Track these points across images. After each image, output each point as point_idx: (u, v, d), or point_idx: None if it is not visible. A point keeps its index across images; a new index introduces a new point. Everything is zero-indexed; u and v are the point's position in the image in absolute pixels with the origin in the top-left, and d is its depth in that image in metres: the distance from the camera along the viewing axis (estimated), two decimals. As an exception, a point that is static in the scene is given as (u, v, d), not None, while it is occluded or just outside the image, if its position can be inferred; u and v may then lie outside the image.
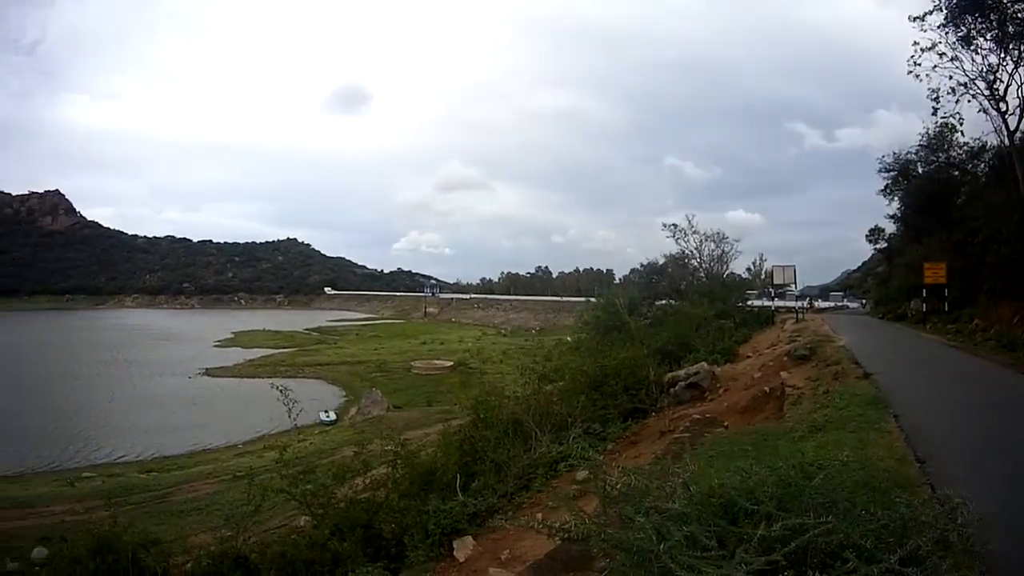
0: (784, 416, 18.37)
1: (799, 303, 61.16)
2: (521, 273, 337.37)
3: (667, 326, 36.78)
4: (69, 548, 23.14)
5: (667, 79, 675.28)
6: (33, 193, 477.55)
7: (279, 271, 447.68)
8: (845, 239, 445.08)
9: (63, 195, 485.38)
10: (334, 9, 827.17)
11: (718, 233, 45.30)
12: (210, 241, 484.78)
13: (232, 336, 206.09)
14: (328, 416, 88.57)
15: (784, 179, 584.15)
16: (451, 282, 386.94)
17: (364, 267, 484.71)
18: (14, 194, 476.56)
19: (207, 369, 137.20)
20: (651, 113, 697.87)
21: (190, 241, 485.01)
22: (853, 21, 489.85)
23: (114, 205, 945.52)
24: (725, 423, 20.19)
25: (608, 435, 22.39)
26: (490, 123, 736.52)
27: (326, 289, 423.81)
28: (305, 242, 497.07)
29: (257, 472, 42.94)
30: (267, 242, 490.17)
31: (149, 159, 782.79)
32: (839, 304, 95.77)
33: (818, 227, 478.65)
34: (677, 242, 43.89)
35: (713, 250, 45.18)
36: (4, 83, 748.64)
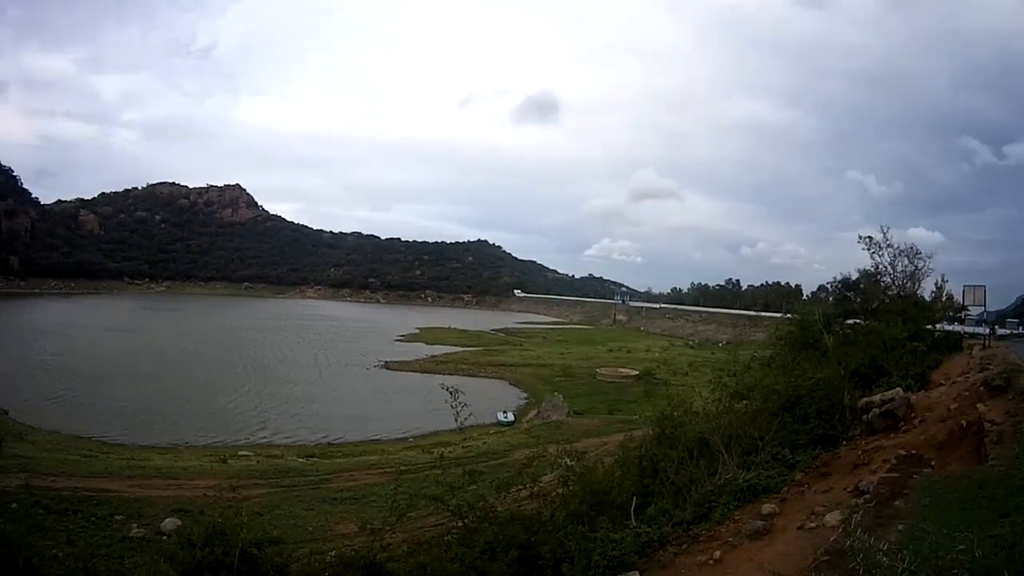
0: (987, 457, 16.18)
1: (985, 328, 57.20)
2: (710, 285, 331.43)
3: (860, 346, 34.50)
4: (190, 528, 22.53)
5: (847, 89, 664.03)
6: (212, 186, 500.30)
7: (468, 271, 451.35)
8: (1021, 262, 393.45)
9: (243, 189, 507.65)
10: (524, 18, 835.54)
11: (911, 247, 42.58)
12: (399, 239, 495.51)
13: (416, 332, 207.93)
14: (506, 417, 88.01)
15: (960, 196, 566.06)
16: (641, 291, 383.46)
17: (555, 271, 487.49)
18: (192, 186, 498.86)
19: (386, 362, 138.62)
20: (833, 123, 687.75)
21: (378, 238, 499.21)
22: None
23: (300, 201, 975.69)
24: (932, 462, 18.04)
25: (797, 463, 20.35)
26: (680, 132, 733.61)
27: (516, 291, 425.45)
28: (496, 244, 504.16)
29: (421, 468, 42.37)
30: (457, 242, 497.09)
31: (339, 159, 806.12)
32: (1016, 332, 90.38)
33: (992, 247, 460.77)
34: (872, 256, 41.40)
35: (906, 266, 42.46)
36: (178, 84, 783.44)
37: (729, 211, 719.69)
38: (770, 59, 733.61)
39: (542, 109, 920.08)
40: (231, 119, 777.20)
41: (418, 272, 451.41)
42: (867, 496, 13.63)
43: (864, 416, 23.80)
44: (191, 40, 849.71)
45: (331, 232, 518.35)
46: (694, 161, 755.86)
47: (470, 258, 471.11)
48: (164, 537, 31.80)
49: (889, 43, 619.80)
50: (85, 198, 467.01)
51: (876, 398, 24.49)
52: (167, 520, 34.73)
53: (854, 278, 43.48)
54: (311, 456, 66.34)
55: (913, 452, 16.96)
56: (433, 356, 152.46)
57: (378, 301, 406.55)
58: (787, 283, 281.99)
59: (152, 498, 40.47)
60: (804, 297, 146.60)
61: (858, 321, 40.12)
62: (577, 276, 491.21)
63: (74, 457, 56.21)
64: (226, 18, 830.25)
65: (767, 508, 15.16)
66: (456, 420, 20.21)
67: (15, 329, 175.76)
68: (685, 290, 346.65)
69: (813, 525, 13.68)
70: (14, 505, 34.56)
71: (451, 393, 20.27)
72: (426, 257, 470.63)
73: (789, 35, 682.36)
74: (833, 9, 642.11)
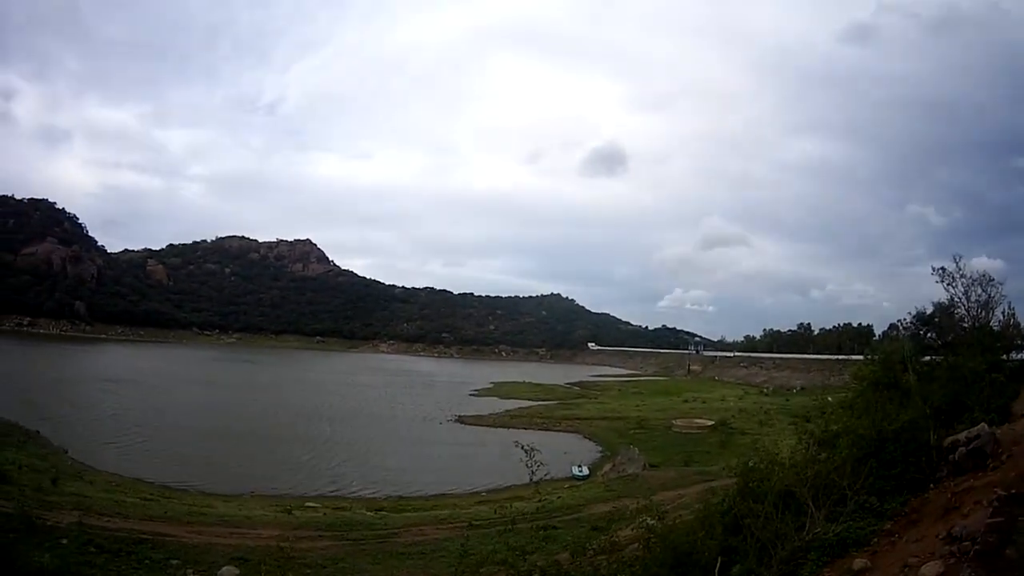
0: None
1: None
2: (782, 330, 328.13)
3: (941, 382, 33.11)
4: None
5: (900, 119, 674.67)
6: (282, 240, 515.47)
7: (542, 325, 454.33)
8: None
9: (314, 244, 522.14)
10: (583, 70, 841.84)
11: (984, 275, 40.69)
12: (471, 294, 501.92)
13: (490, 386, 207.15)
14: (581, 471, 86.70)
15: (1020, 218, 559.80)
16: (714, 339, 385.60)
17: (628, 323, 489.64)
18: (261, 240, 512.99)
19: (460, 416, 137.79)
20: (889, 155, 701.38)
21: (450, 293, 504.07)
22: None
23: (371, 256, 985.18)
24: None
25: (886, 511, 19.05)
26: (743, 176, 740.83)
27: (589, 344, 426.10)
28: (569, 297, 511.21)
29: (493, 523, 41.38)
30: (530, 296, 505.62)
31: (409, 214, 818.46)
32: None
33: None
34: (946, 288, 39.63)
35: (979, 295, 40.54)
36: (245, 140, 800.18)
37: (796, 253, 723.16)
38: (822, 95, 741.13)
39: (609, 161, 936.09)
40: (299, 174, 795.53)
41: (491, 327, 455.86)
42: (968, 544, 12.40)
43: (950, 456, 22.50)
44: (257, 96, 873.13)
45: (403, 287, 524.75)
46: (758, 204, 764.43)
47: (544, 312, 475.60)
48: (218, 584, 31.45)
49: (934, 68, 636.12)
50: (153, 248, 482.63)
51: (961, 436, 23.13)
52: (224, 568, 34.15)
53: (929, 311, 42.04)
54: (380, 509, 65.44)
55: (1014, 491, 15.66)
56: (507, 410, 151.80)
57: (452, 356, 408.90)
58: (858, 323, 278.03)
59: (211, 545, 40.10)
60: (875, 337, 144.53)
61: (933, 357, 38.87)
62: (651, 327, 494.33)
63: (133, 499, 56.06)
64: (291, 75, 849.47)
65: (858, 563, 13.96)
66: (531, 478, 19.28)
67: (85, 374, 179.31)
68: (758, 337, 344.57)
69: (910, 580, 12.42)
70: (64, 541, 34.19)
71: (527, 452, 19.34)
72: (499, 311, 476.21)
73: (839, 70, 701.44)
74: (875, 41, 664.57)
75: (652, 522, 19.35)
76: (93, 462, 79.84)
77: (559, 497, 64.33)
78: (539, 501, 38.57)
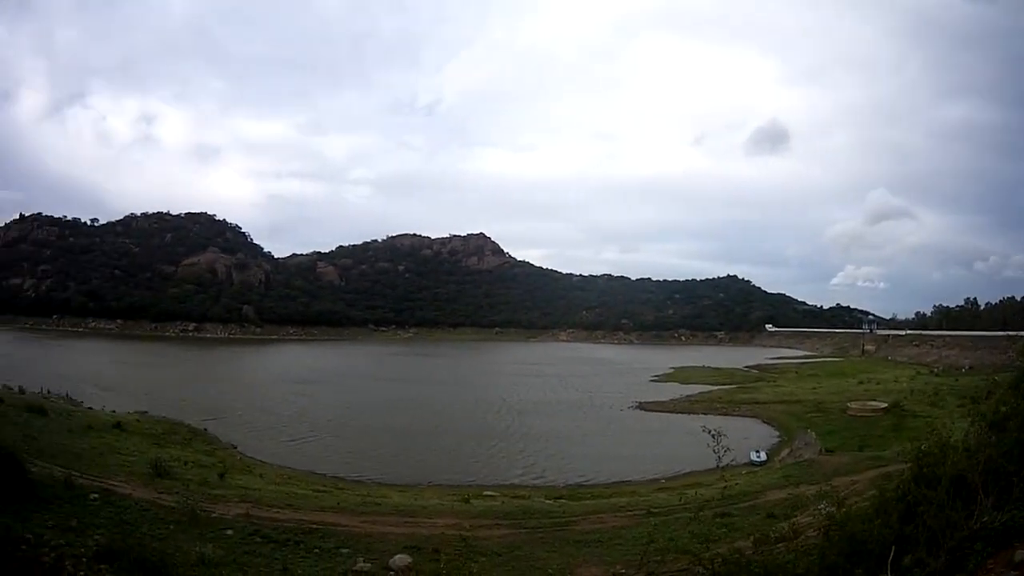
0: None
1: None
2: (951, 306, 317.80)
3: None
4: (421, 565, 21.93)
5: None
6: (455, 236, 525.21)
7: (720, 308, 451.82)
8: None
9: (488, 237, 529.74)
10: (734, 49, 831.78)
11: None
12: (649, 279, 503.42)
13: (670, 371, 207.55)
14: (759, 456, 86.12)
15: None
16: (887, 317, 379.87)
17: (804, 303, 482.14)
18: (433, 237, 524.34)
19: (640, 403, 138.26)
20: None
21: (628, 279, 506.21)
22: None
23: (546, 247, 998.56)
24: None
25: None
26: (901, 145, 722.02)
27: (767, 326, 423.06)
28: (745, 279, 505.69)
29: (672, 511, 40.96)
30: (707, 279, 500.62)
31: (579, 203, 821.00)
32: None
33: None
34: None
35: None
36: (406, 141, 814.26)
37: (957, 224, 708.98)
38: (967, 56, 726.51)
39: (773, 138, 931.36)
40: (465, 171, 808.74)
41: (670, 311, 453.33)
42: None
43: None
44: (413, 99, 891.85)
45: (581, 275, 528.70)
46: (918, 174, 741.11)
47: (721, 295, 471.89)
48: (391, 573, 31.48)
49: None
50: (322, 251, 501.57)
51: None
52: (397, 556, 33.92)
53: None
54: (559, 498, 64.76)
55: None
56: (687, 395, 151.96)
57: (631, 342, 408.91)
58: (1022, 297, 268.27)
59: (384, 534, 39.40)
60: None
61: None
62: (825, 306, 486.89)
63: (304, 491, 57.31)
64: (443, 75, 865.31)
65: (1019, 555, 13.40)
66: (717, 464, 19.16)
67: (259, 372, 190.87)
68: (928, 314, 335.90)
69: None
70: (229, 532, 34.30)
71: (714, 437, 19.22)
72: (677, 296, 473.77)
73: (980, 28, 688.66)
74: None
75: (830, 509, 19.06)
76: (264, 457, 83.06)
77: (736, 484, 63.52)
78: (724, 487, 38.27)
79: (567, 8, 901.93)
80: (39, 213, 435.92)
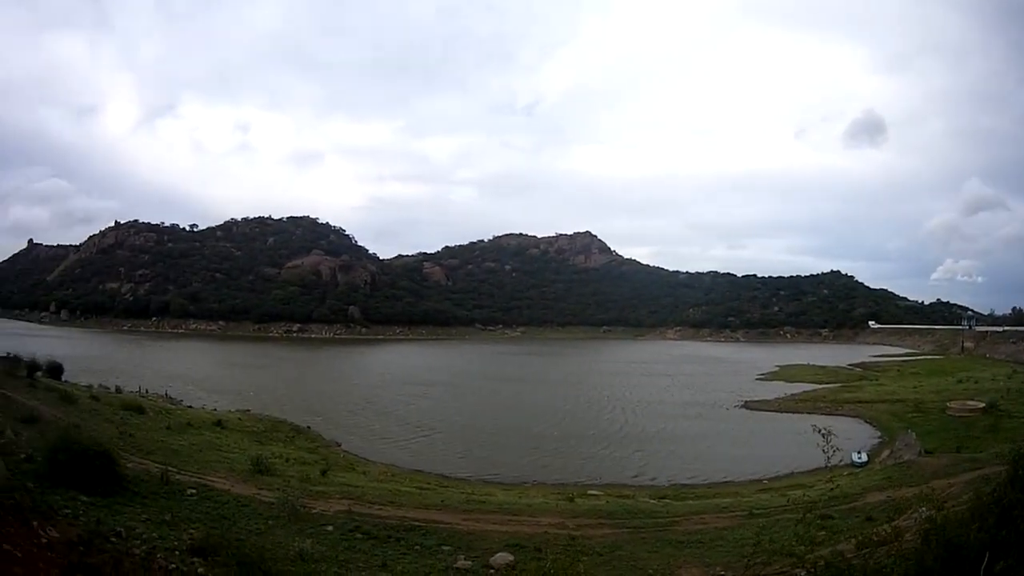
0: None
1: None
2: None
3: None
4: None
5: None
6: (561, 234, 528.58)
7: (824, 304, 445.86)
8: None
9: (594, 236, 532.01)
10: (823, 39, 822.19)
11: None
12: (755, 275, 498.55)
13: (776, 369, 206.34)
14: (860, 457, 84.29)
15: None
16: (985, 313, 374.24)
17: (905, 299, 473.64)
18: (539, 236, 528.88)
19: (746, 402, 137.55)
20: None
21: (734, 276, 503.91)
22: None
23: (652, 244, 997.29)
24: None
25: None
26: (992, 132, 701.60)
27: (870, 323, 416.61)
28: (848, 274, 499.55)
29: (772, 512, 40.54)
30: (811, 275, 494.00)
31: (682, 199, 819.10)
32: None
33: None
34: None
35: None
36: (507, 141, 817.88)
37: None
38: None
39: (869, 130, 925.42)
40: (568, 169, 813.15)
41: (776, 308, 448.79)
42: None
43: None
44: (512, 100, 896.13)
45: (687, 272, 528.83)
46: (1010, 162, 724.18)
47: (825, 291, 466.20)
48: (492, 571, 31.37)
49: None
50: (428, 252, 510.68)
51: None
52: (499, 554, 33.81)
53: None
54: (663, 497, 64.10)
55: None
56: (792, 394, 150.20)
57: (738, 339, 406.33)
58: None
59: (487, 532, 39.78)
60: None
61: None
62: (926, 302, 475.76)
63: (408, 489, 57.35)
64: (541, 75, 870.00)
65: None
66: (826, 463, 18.95)
67: (366, 371, 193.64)
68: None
69: None
70: (329, 528, 34.54)
71: (824, 436, 18.99)
72: (782, 292, 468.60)
73: None
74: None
75: (929, 513, 18.69)
76: (368, 455, 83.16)
77: (837, 485, 62.97)
78: (832, 489, 37.69)
79: (657, 2, 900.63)
80: (135, 220, 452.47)
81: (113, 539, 21.65)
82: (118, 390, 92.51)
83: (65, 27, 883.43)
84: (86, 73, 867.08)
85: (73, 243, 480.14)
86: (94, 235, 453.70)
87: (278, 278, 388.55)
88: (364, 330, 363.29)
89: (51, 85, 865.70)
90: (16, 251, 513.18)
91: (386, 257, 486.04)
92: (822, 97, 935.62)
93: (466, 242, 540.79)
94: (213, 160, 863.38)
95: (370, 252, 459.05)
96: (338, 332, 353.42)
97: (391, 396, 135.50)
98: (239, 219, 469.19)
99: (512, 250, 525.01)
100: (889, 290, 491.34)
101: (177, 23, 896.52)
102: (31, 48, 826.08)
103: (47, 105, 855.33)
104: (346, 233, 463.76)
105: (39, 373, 72.26)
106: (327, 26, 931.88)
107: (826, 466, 17.79)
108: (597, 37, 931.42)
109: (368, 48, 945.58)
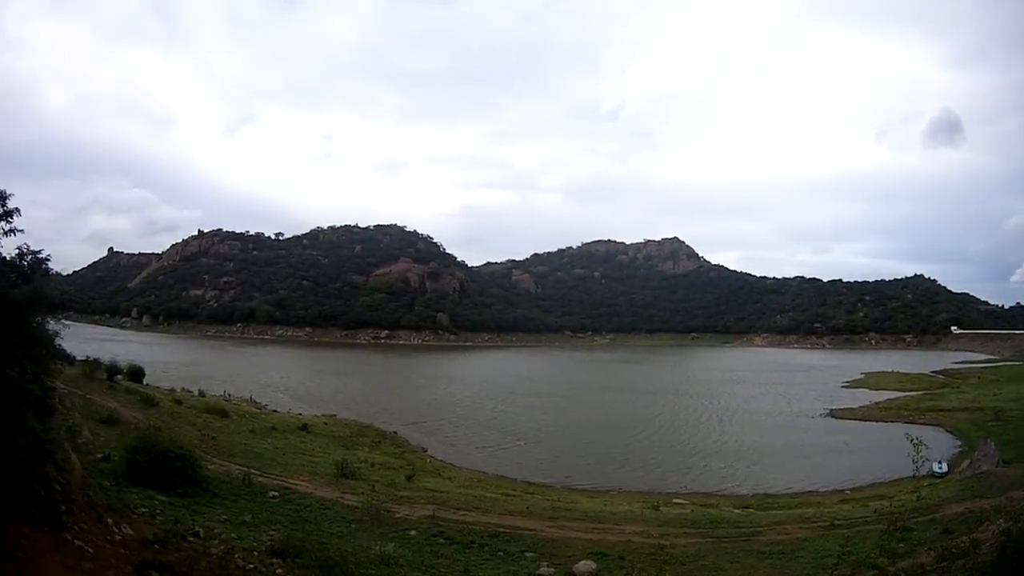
0: None
1: None
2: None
3: None
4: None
5: None
6: (649, 240, 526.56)
7: (907, 309, 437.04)
8: None
9: (682, 241, 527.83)
10: (901, 37, 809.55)
11: None
12: (840, 280, 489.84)
13: (861, 377, 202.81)
14: (940, 467, 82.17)
15: None
16: None
17: (986, 303, 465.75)
18: (628, 242, 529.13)
19: (832, 410, 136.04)
20: None
21: (820, 281, 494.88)
22: None
23: (739, 249, 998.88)
24: None
25: None
26: None
27: (952, 328, 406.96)
28: (931, 278, 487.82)
29: (854, 523, 40.29)
30: (895, 279, 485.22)
31: (769, 203, 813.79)
32: None
33: None
34: None
35: None
36: (593, 147, 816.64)
37: None
38: None
39: (947, 129, 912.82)
40: (654, 174, 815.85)
41: (861, 314, 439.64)
42: None
43: None
44: (596, 104, 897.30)
45: (775, 278, 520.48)
46: None
47: (908, 295, 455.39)
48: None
49: None
50: (516, 259, 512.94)
51: None
52: (582, 562, 33.77)
53: None
54: (747, 507, 64.11)
55: None
56: (876, 402, 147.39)
57: (824, 346, 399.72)
58: None
59: (571, 539, 40.09)
60: None
61: None
62: (1006, 306, 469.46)
63: (493, 495, 57.55)
64: (624, 79, 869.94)
65: None
66: (914, 474, 18.93)
67: (458, 377, 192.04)
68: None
69: None
70: (412, 532, 34.93)
71: (914, 445, 19.02)
72: (867, 297, 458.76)
73: None
74: None
75: (1007, 525, 18.59)
76: (455, 460, 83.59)
77: (918, 496, 62.31)
78: (917, 499, 37.33)
79: (733, 5, 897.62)
80: (219, 229, 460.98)
81: (190, 538, 22.30)
82: (201, 394, 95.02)
83: (139, 42, 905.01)
84: (165, 86, 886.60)
85: (155, 251, 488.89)
86: (176, 243, 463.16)
87: (366, 285, 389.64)
88: (452, 337, 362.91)
89: (130, 98, 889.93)
90: (95, 259, 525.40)
91: (475, 264, 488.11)
92: (900, 96, 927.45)
93: (554, 249, 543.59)
94: (297, 170, 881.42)
95: (458, 259, 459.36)
96: (426, 339, 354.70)
97: (479, 403, 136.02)
98: (325, 227, 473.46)
99: (601, 256, 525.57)
100: (971, 294, 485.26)
101: (253, 36, 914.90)
102: (107, 62, 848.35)
103: (127, 117, 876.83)
104: (434, 241, 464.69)
105: (119, 376, 74.51)
106: (407, 35, 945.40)
107: (914, 476, 17.87)
108: (677, 38, 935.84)
109: (449, 56, 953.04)
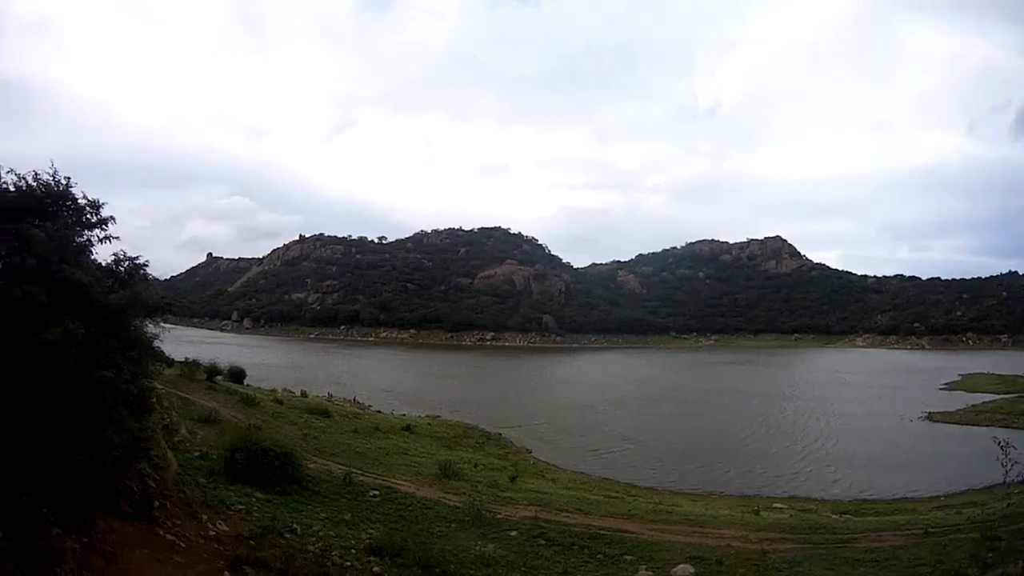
0: None
1: None
2: None
3: None
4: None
5: None
6: (752, 240, 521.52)
7: (1003, 308, 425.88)
8: None
9: (784, 240, 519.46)
10: (981, 25, 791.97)
11: None
12: (938, 278, 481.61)
13: (958, 379, 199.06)
14: None
15: None
16: None
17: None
18: (731, 242, 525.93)
19: (930, 413, 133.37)
20: None
21: (919, 279, 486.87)
22: None
23: (840, 247, 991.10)
24: None
25: None
26: None
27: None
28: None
29: (947, 531, 39.15)
30: (991, 276, 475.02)
31: (865, 200, 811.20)
32: None
33: None
34: None
35: None
36: (694, 146, 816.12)
37: None
38: None
39: None
40: (754, 172, 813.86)
41: (959, 313, 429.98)
42: None
43: None
44: (693, 104, 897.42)
45: (875, 277, 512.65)
46: None
47: (1004, 293, 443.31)
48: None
49: None
50: (621, 260, 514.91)
51: None
52: (680, 566, 33.35)
53: None
54: (845, 513, 62.37)
55: None
56: (972, 405, 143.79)
57: (923, 347, 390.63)
58: None
59: (670, 542, 39.73)
60: None
61: None
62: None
63: (596, 497, 56.90)
64: (718, 78, 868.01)
65: None
66: (1004, 478, 18.32)
67: (564, 379, 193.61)
68: None
69: None
70: (513, 533, 34.91)
71: (1002, 449, 18.34)
72: (964, 296, 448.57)
73: None
74: None
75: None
76: (559, 462, 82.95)
77: (1009, 504, 60.92)
78: (1008, 506, 36.43)
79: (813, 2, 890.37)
80: (321, 233, 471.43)
81: (287, 535, 22.36)
82: (303, 394, 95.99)
83: (230, 54, 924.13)
84: (261, 95, 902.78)
85: (255, 256, 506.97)
86: (277, 248, 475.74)
87: (471, 287, 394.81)
88: (558, 338, 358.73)
89: (226, 108, 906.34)
90: (194, 264, 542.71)
91: (580, 266, 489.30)
92: (987, 85, 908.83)
93: (659, 249, 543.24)
94: (398, 174, 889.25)
95: (564, 261, 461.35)
96: (532, 340, 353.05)
97: (585, 404, 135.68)
98: (429, 231, 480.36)
99: (705, 257, 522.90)
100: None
101: (345, 45, 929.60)
102: (201, 74, 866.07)
103: (223, 126, 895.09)
104: (539, 243, 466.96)
105: (219, 377, 76.16)
106: (499, 40, 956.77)
107: (1003, 482, 17.26)
108: (766, 35, 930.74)
109: (543, 59, 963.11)
